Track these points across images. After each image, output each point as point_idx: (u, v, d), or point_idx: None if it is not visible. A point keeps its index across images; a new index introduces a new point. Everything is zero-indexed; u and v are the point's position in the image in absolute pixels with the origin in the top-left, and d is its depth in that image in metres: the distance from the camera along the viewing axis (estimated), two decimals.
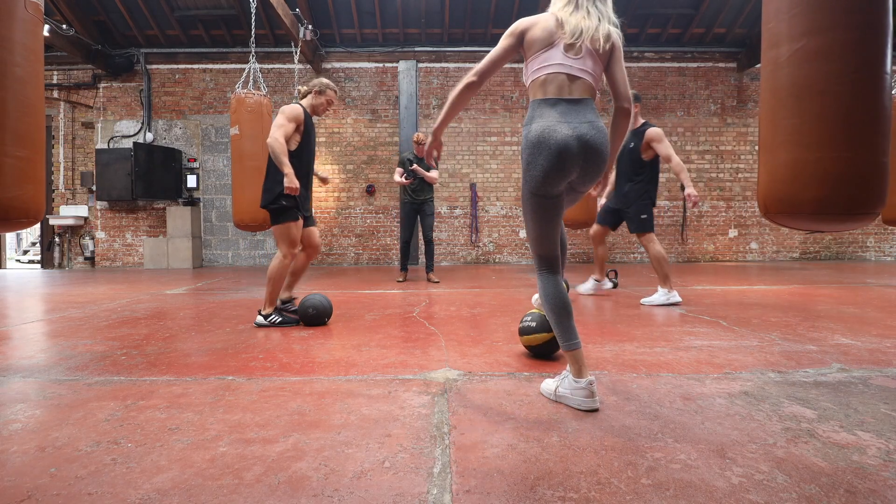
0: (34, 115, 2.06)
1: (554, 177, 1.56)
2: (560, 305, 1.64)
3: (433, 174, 5.14)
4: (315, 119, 7.96)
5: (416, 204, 5.26)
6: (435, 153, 1.86)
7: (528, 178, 1.61)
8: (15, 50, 1.95)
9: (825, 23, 1.73)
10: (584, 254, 8.11)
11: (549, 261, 1.68)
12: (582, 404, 1.56)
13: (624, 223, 4.03)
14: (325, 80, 3.13)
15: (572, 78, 1.59)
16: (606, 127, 1.63)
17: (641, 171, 3.78)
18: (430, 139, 1.82)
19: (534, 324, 2.15)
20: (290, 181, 2.84)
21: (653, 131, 3.63)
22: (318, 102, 3.09)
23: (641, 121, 3.79)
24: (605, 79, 1.69)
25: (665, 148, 3.61)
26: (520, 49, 1.68)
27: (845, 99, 1.73)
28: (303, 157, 3.03)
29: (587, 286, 4.24)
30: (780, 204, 1.90)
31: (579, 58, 1.59)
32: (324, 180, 3.58)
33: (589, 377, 1.59)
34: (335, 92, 3.16)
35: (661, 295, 3.66)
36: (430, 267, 5.41)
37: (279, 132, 2.88)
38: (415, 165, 5.14)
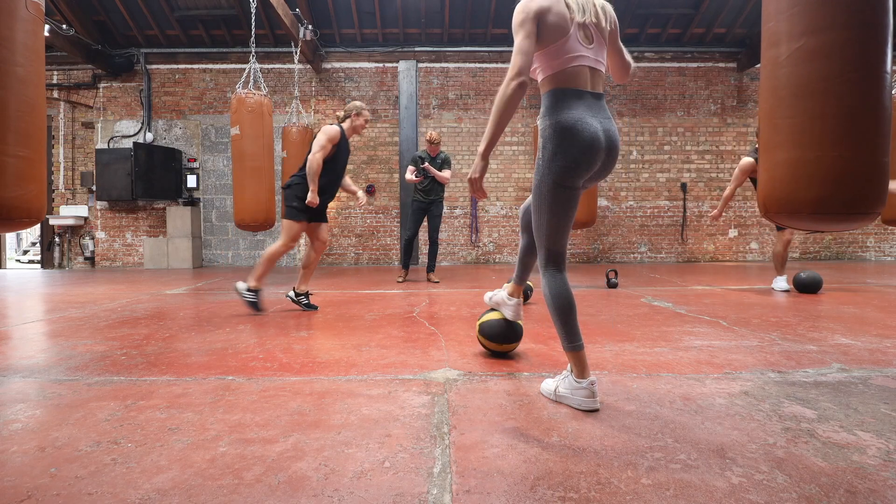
0: (35, 114, 2.06)
1: (583, 168, 1.54)
2: (566, 305, 1.60)
3: (445, 174, 5.07)
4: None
5: (426, 203, 5.20)
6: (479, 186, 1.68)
7: (554, 168, 1.54)
8: (16, 50, 1.95)
9: (825, 22, 1.73)
10: (584, 254, 8.11)
11: (558, 257, 1.64)
12: (582, 404, 1.56)
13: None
14: (357, 104, 3.57)
15: (593, 71, 1.59)
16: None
17: None
18: (476, 164, 1.61)
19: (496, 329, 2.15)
20: (313, 197, 3.31)
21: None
22: (358, 123, 3.54)
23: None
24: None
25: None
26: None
27: (845, 98, 1.72)
28: (331, 169, 3.46)
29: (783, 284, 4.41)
30: (780, 204, 1.90)
31: (592, 47, 1.59)
32: (354, 193, 3.80)
33: (590, 377, 1.59)
34: (368, 112, 3.63)
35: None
36: (431, 267, 5.37)
37: (320, 153, 3.32)
38: (426, 164, 5.07)
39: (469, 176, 1.63)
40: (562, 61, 1.55)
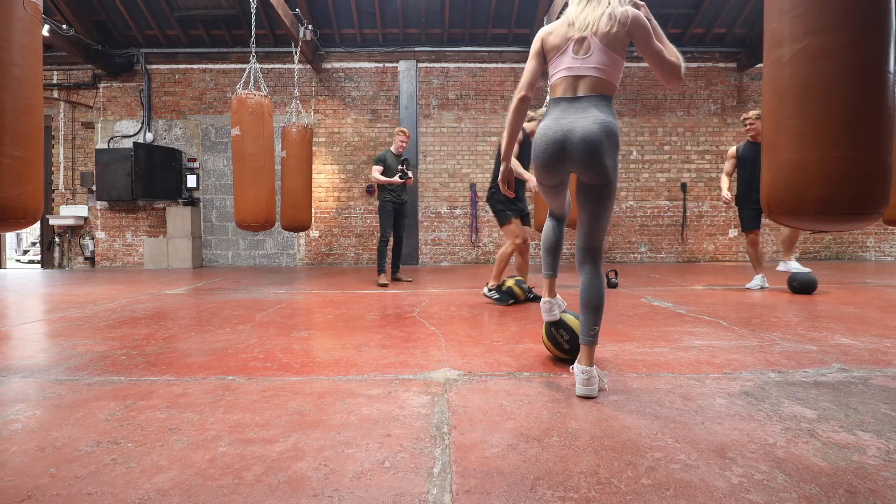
0: (32, 114, 2.06)
1: (544, 168, 1.76)
2: (548, 243, 1.97)
3: (410, 175, 5.12)
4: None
5: (399, 203, 5.13)
6: (507, 184, 2.01)
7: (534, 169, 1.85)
8: (13, 50, 1.95)
9: (828, 22, 1.73)
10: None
11: (553, 213, 2.01)
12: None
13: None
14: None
15: (578, 78, 1.68)
16: (609, 122, 1.64)
17: None
18: (503, 169, 1.97)
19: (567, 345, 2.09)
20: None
21: None
22: (532, 128, 3.75)
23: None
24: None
25: None
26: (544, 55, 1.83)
27: (848, 99, 1.72)
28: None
29: (755, 283, 4.54)
30: (784, 204, 1.90)
31: (588, 56, 1.66)
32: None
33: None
34: None
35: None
36: (397, 268, 5.45)
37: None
38: (403, 167, 5.01)
39: (498, 179, 2.02)
40: (553, 74, 1.76)
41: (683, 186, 8.07)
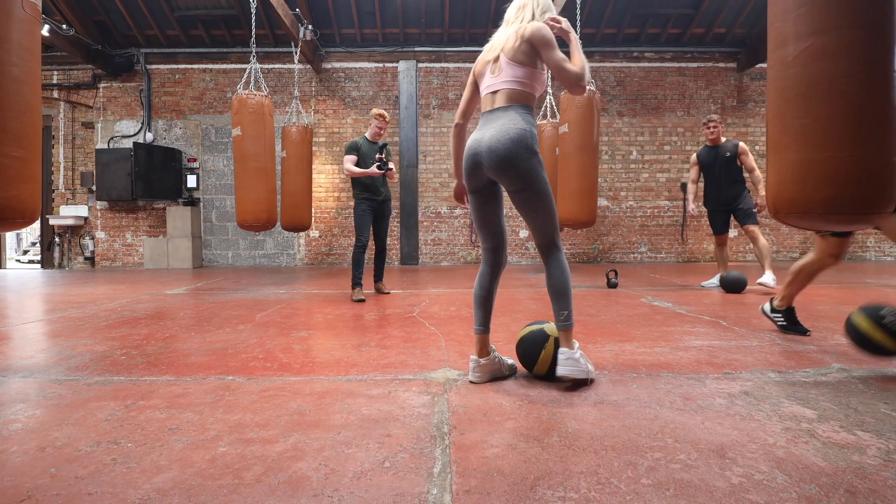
0: (31, 114, 2.06)
1: (467, 175, 1.86)
2: (477, 294, 1.90)
3: (391, 166, 4.19)
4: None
5: (378, 202, 4.22)
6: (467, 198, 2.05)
7: None
8: (12, 49, 1.95)
9: (832, 22, 1.72)
10: (584, 254, 8.11)
11: (484, 251, 1.93)
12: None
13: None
14: None
15: (494, 93, 1.82)
16: (518, 129, 1.74)
17: (740, 175, 4.49)
18: (455, 186, 2.07)
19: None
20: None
21: (743, 146, 4.45)
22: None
23: (724, 139, 4.60)
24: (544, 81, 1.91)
25: (750, 161, 4.44)
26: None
27: (854, 98, 1.71)
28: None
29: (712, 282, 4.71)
30: (790, 204, 1.89)
31: (500, 72, 1.81)
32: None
33: (472, 356, 1.86)
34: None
35: (769, 277, 4.25)
36: (380, 276, 4.44)
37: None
38: (382, 155, 4.11)
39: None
40: (481, 96, 1.92)
41: (683, 186, 8.07)
